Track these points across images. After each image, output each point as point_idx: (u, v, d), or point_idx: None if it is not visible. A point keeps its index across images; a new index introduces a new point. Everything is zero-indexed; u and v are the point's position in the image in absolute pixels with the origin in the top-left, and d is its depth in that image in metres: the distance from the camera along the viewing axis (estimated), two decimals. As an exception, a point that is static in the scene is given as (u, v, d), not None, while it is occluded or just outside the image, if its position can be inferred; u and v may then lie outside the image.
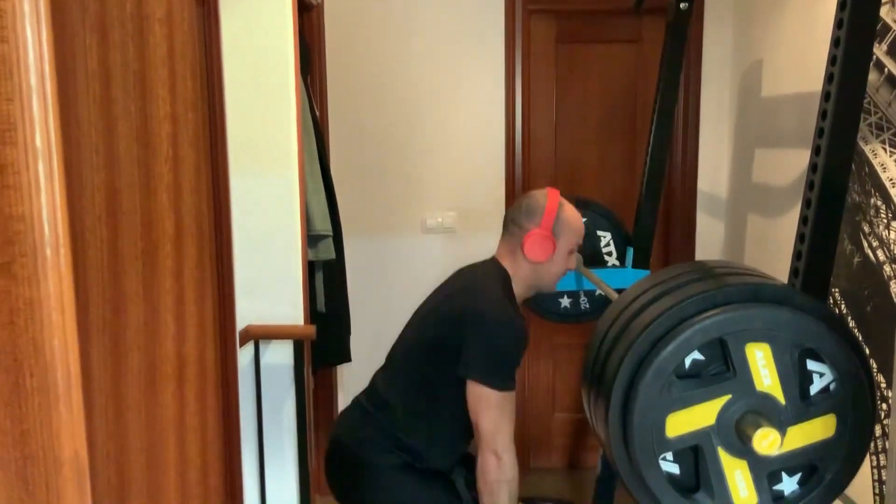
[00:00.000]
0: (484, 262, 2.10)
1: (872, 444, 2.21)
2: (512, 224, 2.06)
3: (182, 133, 1.50)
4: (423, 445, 1.96)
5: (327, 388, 3.40)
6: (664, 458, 1.47)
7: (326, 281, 2.79)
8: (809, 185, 1.63)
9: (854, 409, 1.45)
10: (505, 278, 2.01)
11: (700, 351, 1.44)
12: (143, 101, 1.37)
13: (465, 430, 1.98)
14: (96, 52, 1.19)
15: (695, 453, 1.46)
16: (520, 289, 2.04)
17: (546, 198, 2.05)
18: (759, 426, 1.38)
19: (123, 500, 1.31)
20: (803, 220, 1.64)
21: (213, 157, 1.63)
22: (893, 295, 2.16)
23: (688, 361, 1.44)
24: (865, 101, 1.69)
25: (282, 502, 2.45)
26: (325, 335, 2.65)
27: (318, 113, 2.97)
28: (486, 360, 1.85)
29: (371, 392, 2.08)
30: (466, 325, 1.88)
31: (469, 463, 2.11)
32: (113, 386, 1.26)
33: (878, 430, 2.17)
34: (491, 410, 1.83)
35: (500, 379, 1.84)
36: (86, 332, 1.15)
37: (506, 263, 2.05)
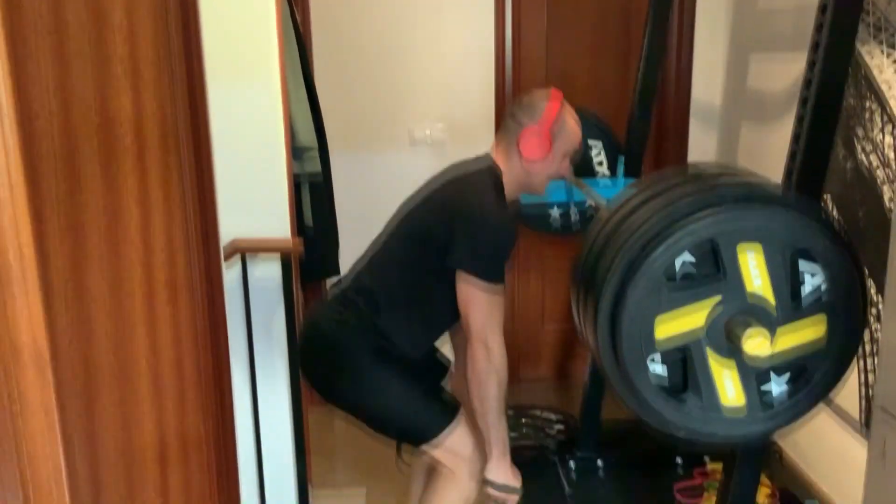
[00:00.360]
0: (477, 157, 2.06)
1: (860, 349, 2.23)
2: (510, 119, 2.02)
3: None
4: (399, 332, 1.98)
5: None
6: (652, 361, 1.47)
7: (313, 195, 2.76)
8: (806, 84, 1.59)
9: (845, 309, 1.44)
10: (496, 174, 1.99)
11: (690, 253, 1.42)
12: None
13: (442, 320, 2.03)
14: None
15: (683, 355, 1.46)
16: (510, 187, 2.01)
17: (548, 97, 2.00)
18: (748, 327, 1.38)
19: (90, 388, 1.28)
20: (799, 119, 1.60)
21: (185, 33, 1.51)
22: (886, 200, 2.14)
23: (678, 264, 1.42)
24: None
25: (274, 414, 2.47)
26: (313, 250, 2.63)
27: (299, 22, 2.87)
28: (477, 254, 1.85)
29: (351, 278, 2.08)
30: (457, 219, 1.88)
31: (432, 358, 2.21)
32: (72, 269, 1.21)
33: (866, 335, 2.19)
34: (480, 303, 1.84)
35: (490, 272, 1.85)
36: (38, 210, 1.08)
37: (499, 159, 2.02)
